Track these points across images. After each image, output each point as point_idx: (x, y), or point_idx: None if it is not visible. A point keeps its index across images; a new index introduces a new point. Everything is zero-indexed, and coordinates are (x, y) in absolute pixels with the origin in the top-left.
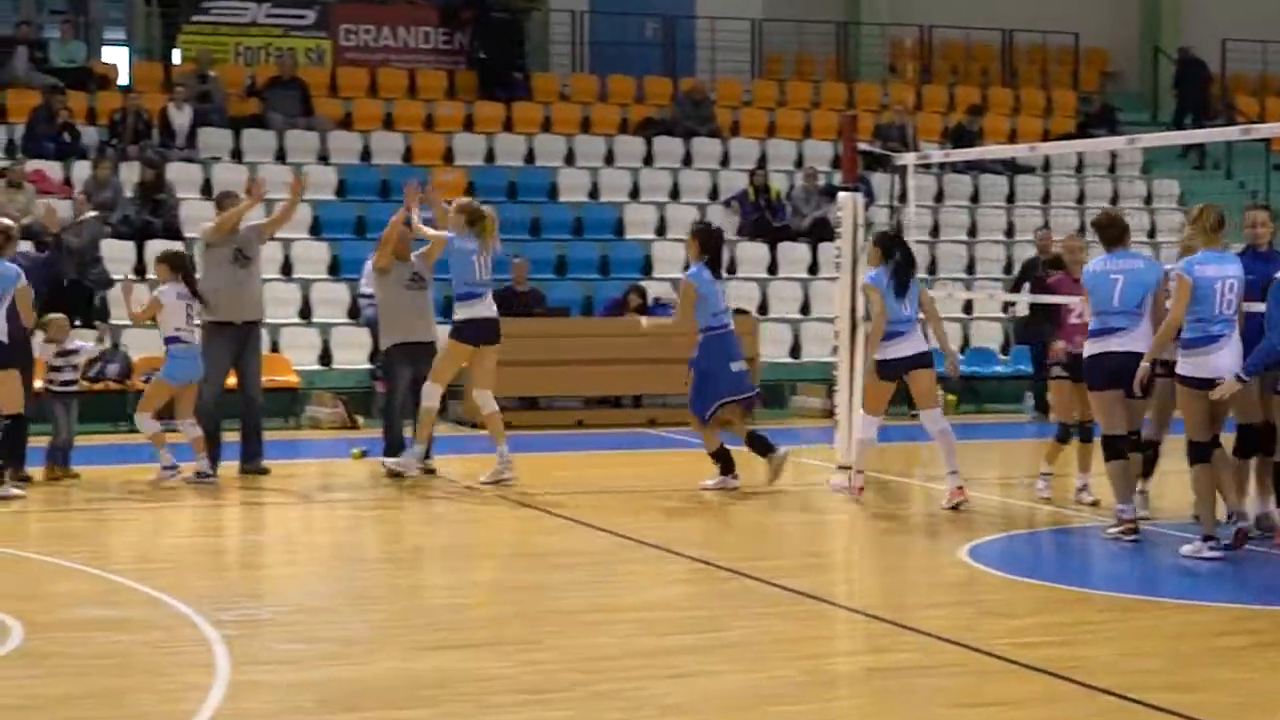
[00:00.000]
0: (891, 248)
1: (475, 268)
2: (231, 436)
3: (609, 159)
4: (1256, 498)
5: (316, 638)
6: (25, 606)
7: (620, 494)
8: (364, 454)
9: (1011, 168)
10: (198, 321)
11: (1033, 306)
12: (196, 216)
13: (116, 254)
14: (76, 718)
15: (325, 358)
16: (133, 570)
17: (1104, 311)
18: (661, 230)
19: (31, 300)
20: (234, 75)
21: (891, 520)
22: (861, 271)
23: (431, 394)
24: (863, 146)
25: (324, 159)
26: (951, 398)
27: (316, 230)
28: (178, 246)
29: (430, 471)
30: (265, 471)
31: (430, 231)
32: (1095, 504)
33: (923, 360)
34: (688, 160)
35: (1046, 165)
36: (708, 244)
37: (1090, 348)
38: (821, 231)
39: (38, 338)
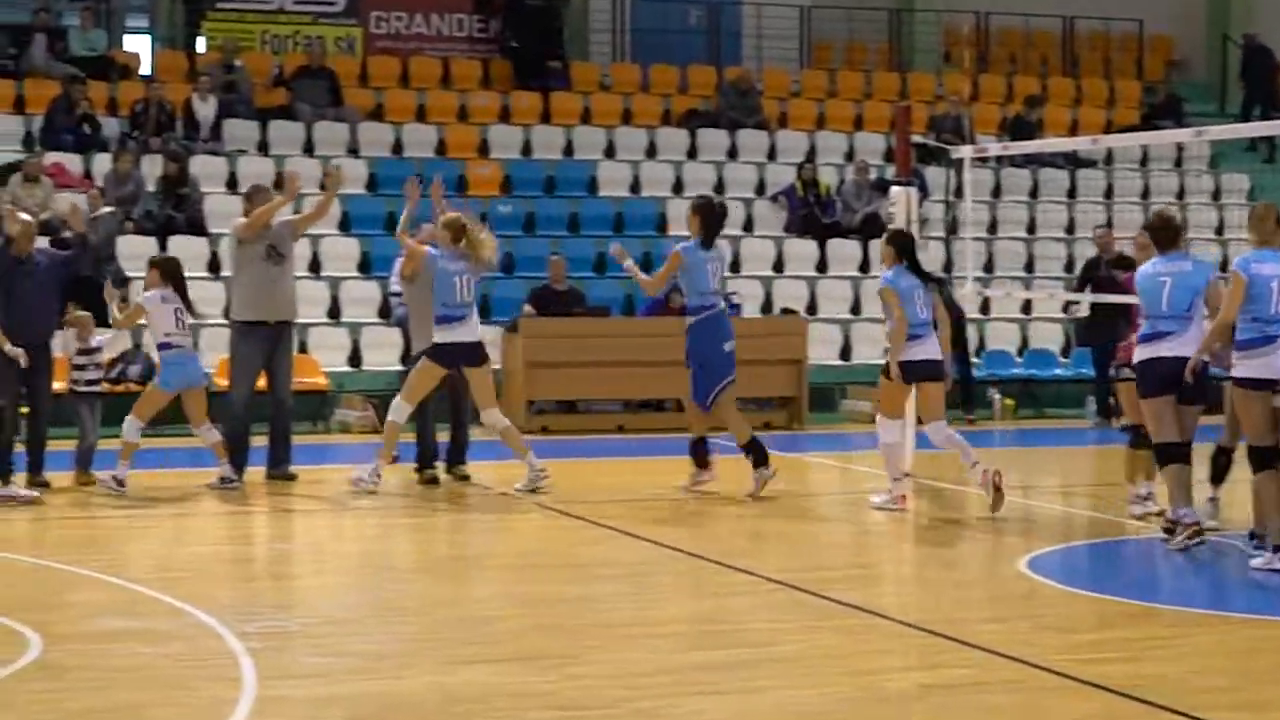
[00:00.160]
0: (907, 247)
1: (457, 288)
2: (258, 440)
3: (651, 152)
4: None
5: (346, 651)
6: (44, 617)
7: (663, 502)
8: (395, 459)
9: (1072, 161)
10: (187, 326)
11: (1094, 307)
12: (221, 211)
13: (138, 250)
14: None
15: (355, 359)
16: (155, 579)
17: (1154, 316)
18: None
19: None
20: (260, 64)
21: (946, 529)
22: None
23: (399, 410)
24: (916, 139)
25: (354, 152)
26: (1009, 402)
27: (346, 226)
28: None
29: (464, 478)
30: (293, 478)
31: (409, 242)
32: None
33: (933, 371)
34: (733, 153)
35: (1109, 159)
36: (709, 220)
37: (1141, 353)
38: (873, 228)
39: (57, 338)
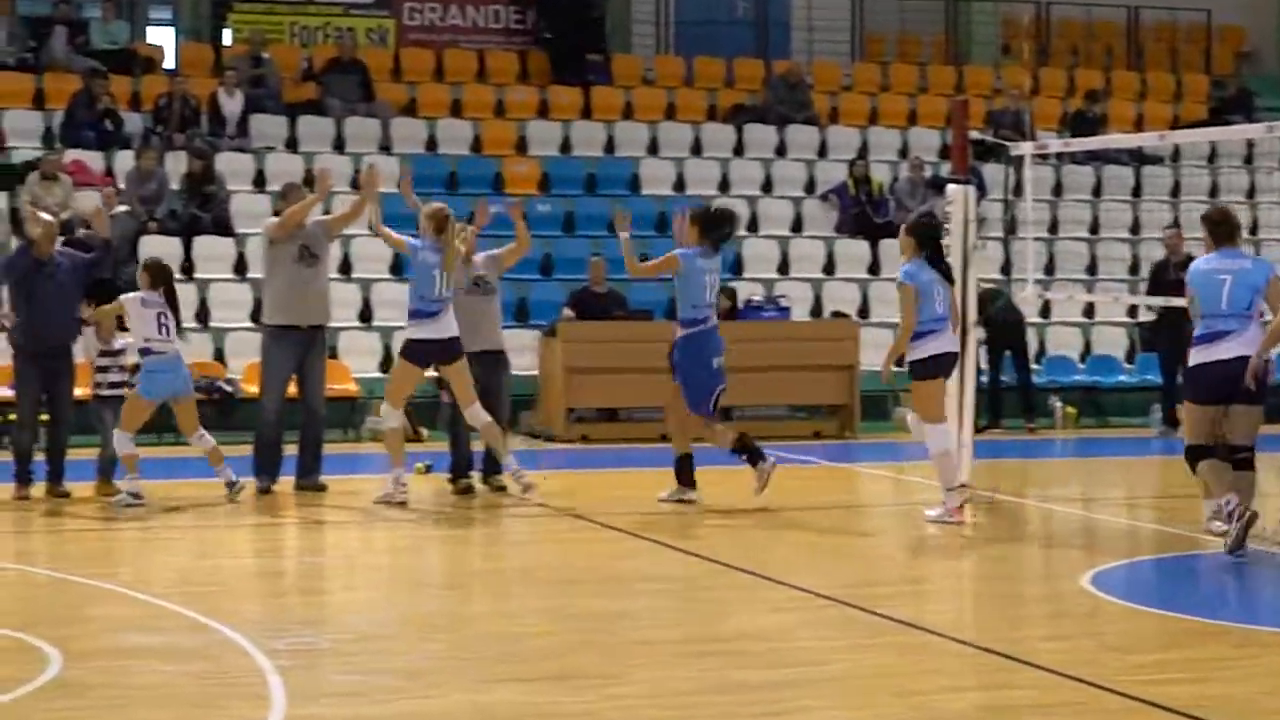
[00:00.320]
0: (928, 238)
1: (435, 282)
2: (288, 449)
3: (696, 149)
4: None
5: (378, 669)
6: (64, 633)
7: (709, 514)
8: (429, 469)
9: (1137, 158)
10: (171, 333)
11: (1161, 311)
12: (248, 211)
13: (162, 252)
14: None
15: (387, 364)
16: (179, 594)
17: (1211, 314)
18: (753, 226)
19: None
20: (289, 57)
21: (1005, 543)
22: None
23: (389, 415)
24: (973, 135)
25: (386, 148)
26: (1071, 411)
27: None
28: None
29: (500, 489)
30: (322, 488)
31: (388, 231)
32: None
33: (947, 366)
34: (781, 150)
35: (1176, 155)
36: (708, 229)
37: (1196, 356)
38: None
39: (77, 341)
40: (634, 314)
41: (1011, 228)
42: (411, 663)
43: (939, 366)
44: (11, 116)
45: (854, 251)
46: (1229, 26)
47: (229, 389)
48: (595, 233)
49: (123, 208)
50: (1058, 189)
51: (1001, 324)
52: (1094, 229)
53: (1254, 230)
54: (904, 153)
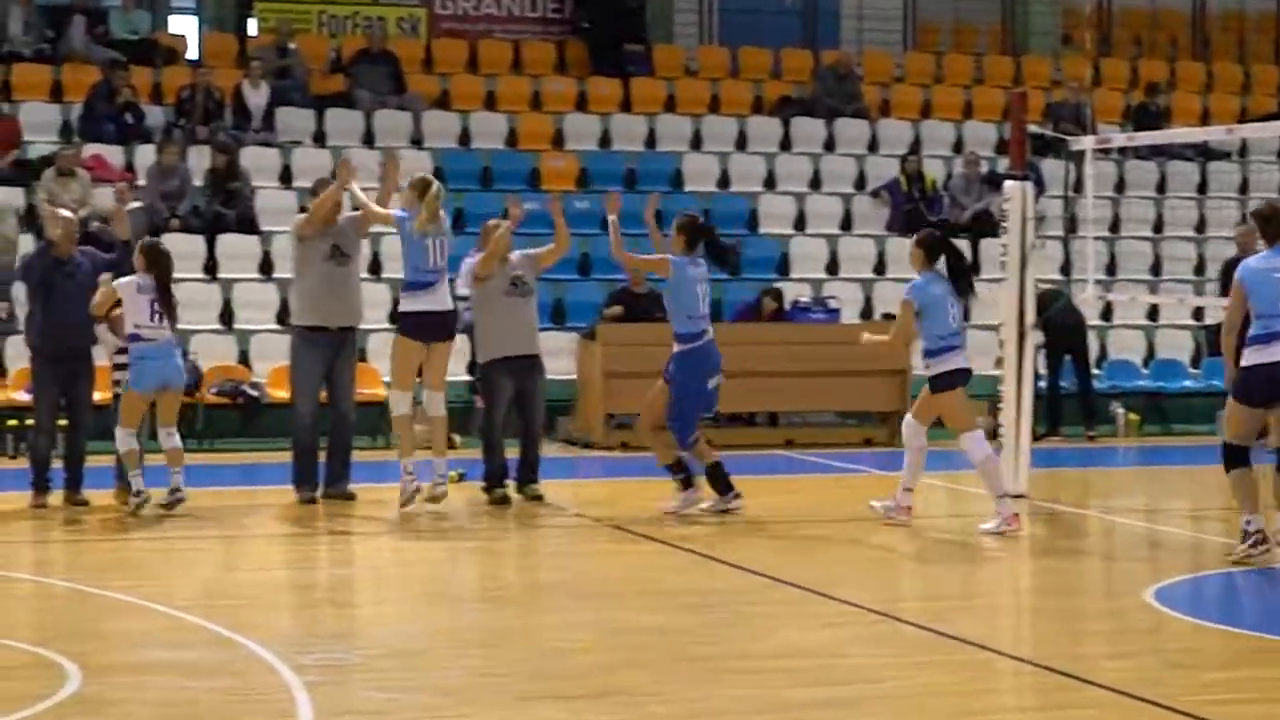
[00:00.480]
0: (939, 250)
1: (429, 252)
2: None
3: (741, 143)
4: None
5: (410, 685)
6: (82, 647)
7: (755, 525)
8: (462, 477)
9: (1203, 153)
10: (164, 320)
11: None
12: (273, 207)
13: (185, 250)
14: None
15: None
16: (202, 607)
17: (1266, 314)
18: (800, 224)
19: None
20: (317, 48)
21: (1064, 557)
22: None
23: (398, 402)
24: (1032, 129)
25: (417, 142)
26: (1134, 417)
27: None
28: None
29: (537, 498)
30: (351, 497)
31: (372, 206)
32: None
33: (963, 381)
34: (830, 145)
35: (1243, 150)
36: (695, 238)
37: (1250, 356)
38: (984, 226)
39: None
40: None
41: (1071, 226)
42: (445, 679)
43: (958, 379)
44: (29, 109)
45: (906, 251)
46: None
47: (254, 393)
48: (635, 230)
49: (137, 203)
50: (1120, 185)
51: (1061, 327)
52: (1158, 227)
53: None
54: (959, 147)
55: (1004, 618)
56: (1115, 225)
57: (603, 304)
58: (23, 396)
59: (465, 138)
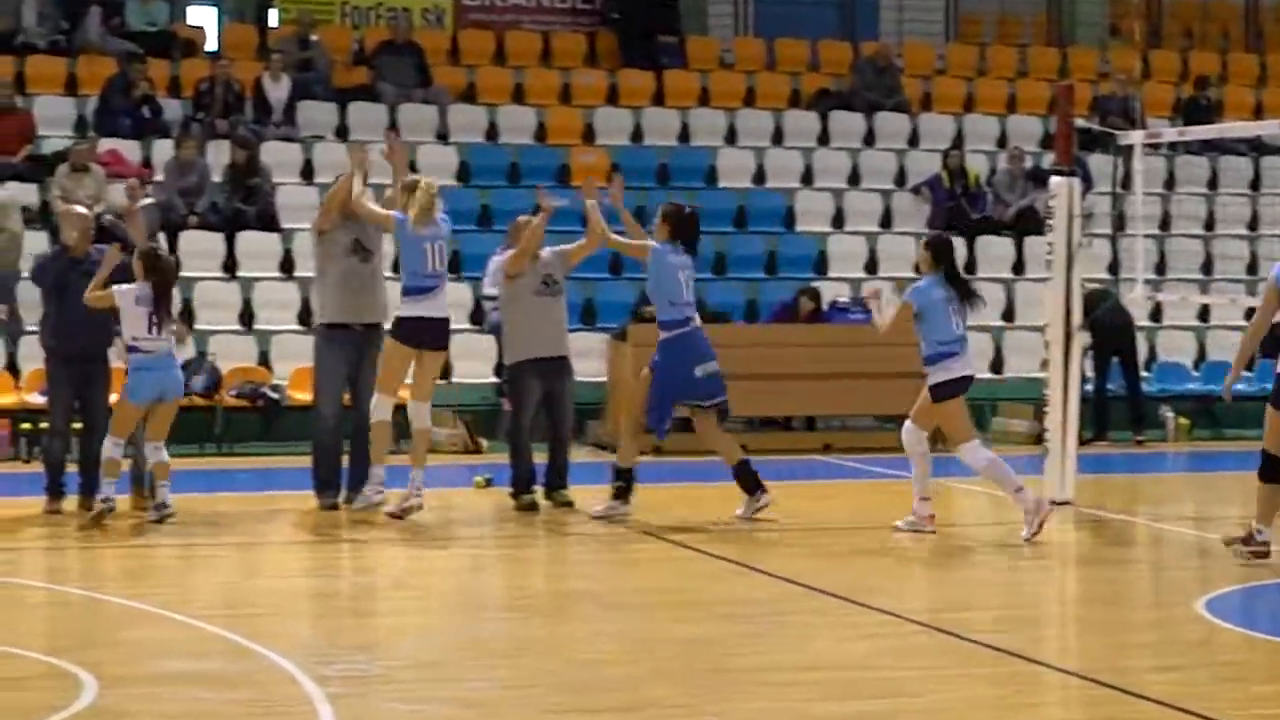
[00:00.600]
0: (947, 254)
1: (428, 256)
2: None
3: (777, 138)
4: None
5: (435, 697)
6: (98, 657)
7: (791, 533)
8: (488, 483)
9: (1256, 148)
10: (165, 332)
11: None
12: (295, 204)
13: (203, 248)
14: None
15: (444, 370)
16: (221, 616)
17: None
18: (838, 221)
19: None
20: (339, 39)
21: (1111, 566)
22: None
23: (381, 407)
24: (1078, 123)
25: (443, 137)
26: (1184, 422)
27: None
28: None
29: (567, 504)
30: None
31: (373, 208)
32: None
33: (964, 389)
34: (869, 139)
35: None
36: (680, 228)
37: None
38: (1028, 223)
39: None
40: (709, 317)
41: (1119, 223)
42: (470, 692)
43: (960, 387)
44: (42, 103)
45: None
46: None
47: (274, 396)
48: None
49: (150, 199)
50: (1170, 181)
51: (1108, 328)
52: (1209, 225)
53: None
54: (1002, 142)
55: (1048, 628)
56: (1165, 223)
57: (634, 303)
58: (37, 399)
59: (492, 132)
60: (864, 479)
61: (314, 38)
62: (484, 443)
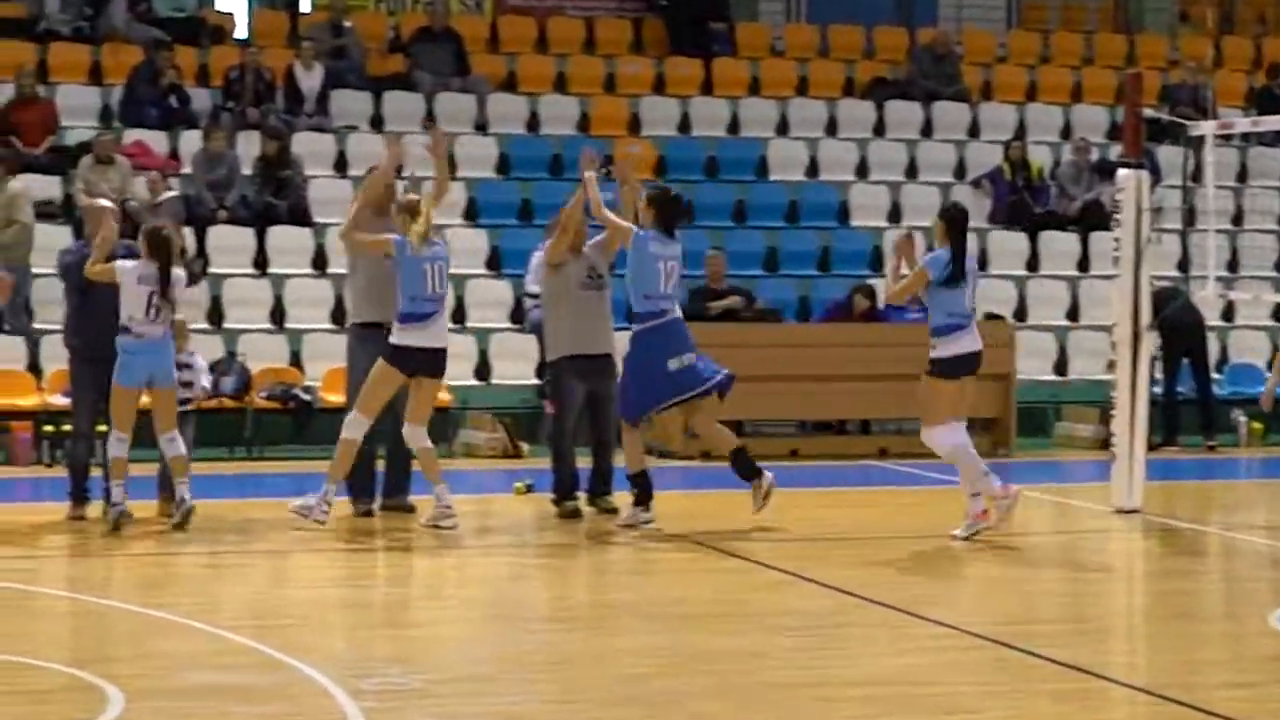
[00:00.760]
0: (963, 226)
1: (428, 277)
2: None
3: (830, 128)
4: None
5: (475, 712)
6: (126, 669)
7: (846, 541)
8: (529, 488)
9: None
10: (163, 315)
11: None
12: (327, 197)
13: (232, 243)
14: None
15: (483, 371)
16: (251, 626)
17: None
18: (895, 216)
19: None
20: (374, 26)
21: (1182, 577)
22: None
23: (354, 425)
24: (1147, 112)
25: (482, 128)
26: (1257, 426)
27: (472, 214)
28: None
29: (610, 511)
30: (411, 509)
31: (377, 238)
32: None
33: (975, 365)
34: (927, 130)
35: None
36: (665, 213)
37: None
38: (1094, 218)
39: None
40: (760, 315)
41: (1190, 218)
42: (512, 706)
43: (962, 366)
44: (66, 92)
45: (1009, 245)
46: None
47: (306, 397)
48: (718, 223)
49: (173, 192)
50: (1242, 174)
51: (1178, 327)
52: None
53: None
54: (1067, 133)
55: (1115, 642)
56: (1238, 217)
57: (683, 301)
58: (60, 400)
59: (533, 123)
60: (921, 485)
61: (347, 24)
62: (525, 447)
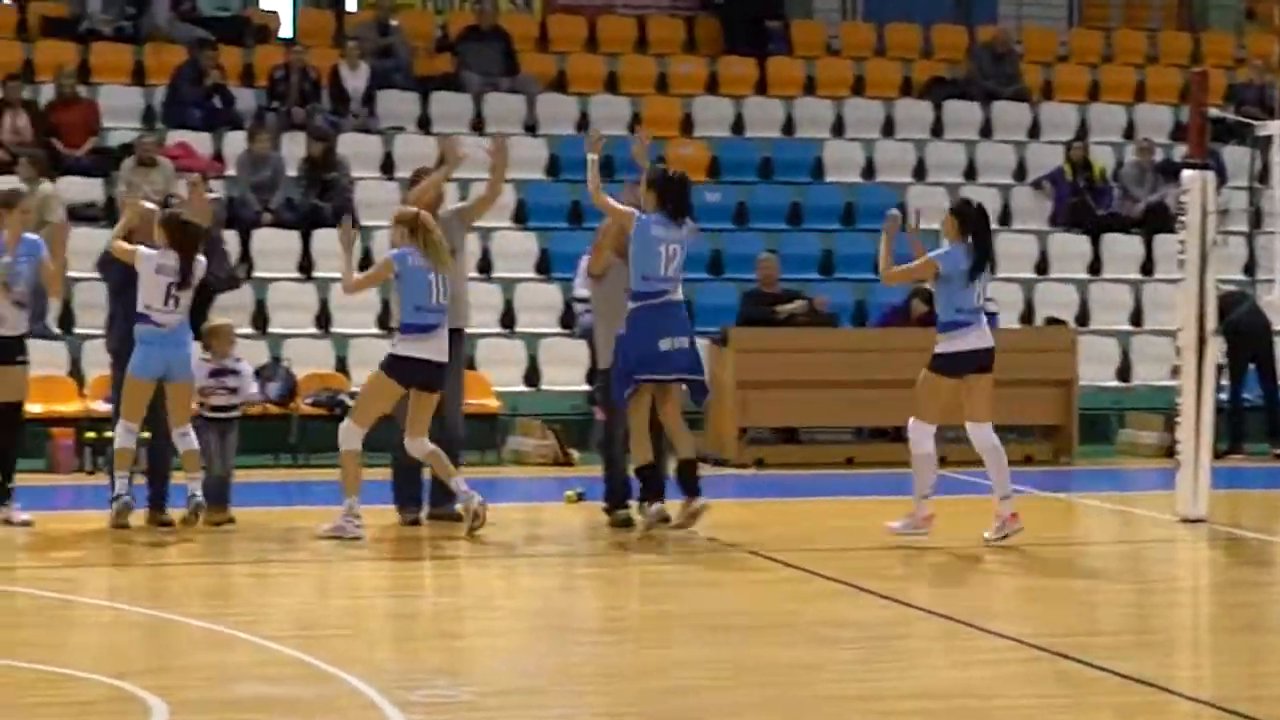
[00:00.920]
0: (971, 219)
1: (432, 288)
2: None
3: (887, 129)
4: None
5: None
6: (169, 681)
7: (903, 551)
8: (580, 497)
9: None
10: (181, 305)
11: None
12: (374, 199)
13: (276, 246)
14: None
15: (532, 377)
16: (297, 638)
17: None
18: None
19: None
20: (421, 25)
21: (1249, 589)
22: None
23: (349, 435)
24: (1213, 112)
25: (531, 129)
26: None
27: (522, 217)
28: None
29: (664, 520)
30: (458, 518)
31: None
32: None
33: (986, 361)
34: (986, 130)
35: None
36: (667, 194)
37: None
38: (1158, 220)
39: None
40: (816, 320)
41: (1257, 220)
42: (561, 718)
43: (965, 363)
44: (108, 93)
45: (1071, 248)
46: None
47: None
48: (772, 225)
49: (213, 194)
50: None
51: (1245, 332)
52: None
53: None
54: (1130, 133)
55: (1181, 654)
56: None
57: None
58: (102, 406)
59: (584, 123)
60: (979, 494)
61: (394, 23)
62: (575, 454)
